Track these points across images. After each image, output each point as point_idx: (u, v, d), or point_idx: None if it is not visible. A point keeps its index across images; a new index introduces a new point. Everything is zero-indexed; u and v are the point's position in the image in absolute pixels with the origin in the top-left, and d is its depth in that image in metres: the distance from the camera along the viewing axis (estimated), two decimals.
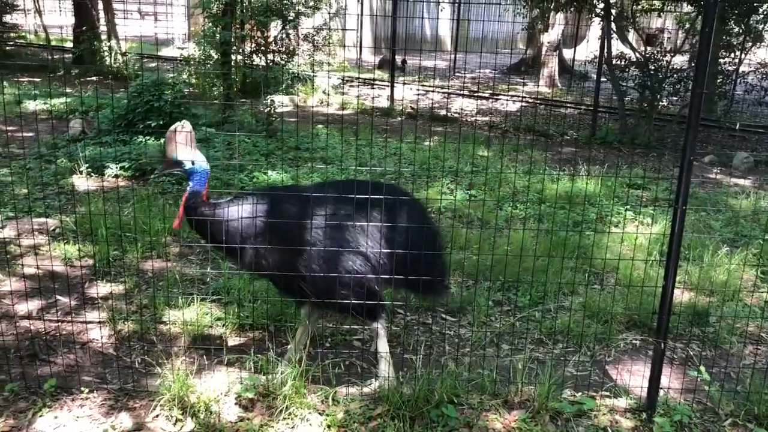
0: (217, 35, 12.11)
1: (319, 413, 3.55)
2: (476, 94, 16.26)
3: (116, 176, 7.88)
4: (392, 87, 14.16)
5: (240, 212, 3.71)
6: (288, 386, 3.61)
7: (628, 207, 7.23)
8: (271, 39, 14.39)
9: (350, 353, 4.25)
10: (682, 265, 5.61)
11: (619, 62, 11.64)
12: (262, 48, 13.93)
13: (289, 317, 4.53)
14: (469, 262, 5.57)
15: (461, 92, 16.64)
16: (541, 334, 4.60)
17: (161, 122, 9.40)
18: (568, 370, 4.17)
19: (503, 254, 5.62)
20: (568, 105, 15.17)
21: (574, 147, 11.27)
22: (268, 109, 10.50)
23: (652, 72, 11.19)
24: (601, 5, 11.70)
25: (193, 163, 3.81)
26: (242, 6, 13.21)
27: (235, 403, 3.62)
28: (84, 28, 17.01)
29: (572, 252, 5.87)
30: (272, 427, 3.46)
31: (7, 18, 18.97)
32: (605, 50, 11.45)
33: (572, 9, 13.13)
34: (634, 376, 4.12)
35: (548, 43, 18.18)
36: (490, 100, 15.76)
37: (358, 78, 17.77)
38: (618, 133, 11.61)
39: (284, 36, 14.62)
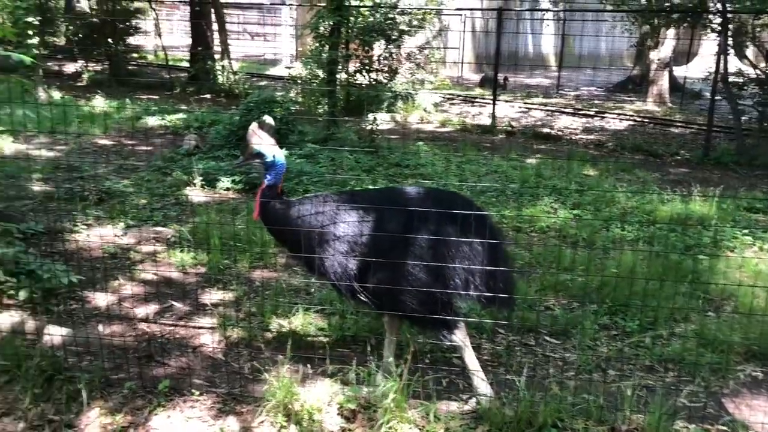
0: (324, 54, 12.48)
1: (419, 429, 3.55)
2: (580, 112, 15.90)
3: (227, 189, 8.22)
4: (494, 103, 14.05)
5: (312, 211, 3.78)
6: (389, 399, 3.63)
7: (747, 231, 6.83)
8: (375, 58, 14.68)
9: (450, 370, 4.21)
10: None
11: (737, 79, 11.06)
12: (366, 67, 14.22)
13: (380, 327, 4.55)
14: (574, 283, 5.43)
15: (564, 110, 16.31)
16: (652, 361, 4.41)
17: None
18: (680, 400, 3.98)
19: (611, 276, 5.46)
20: (678, 124, 14.55)
21: (686, 168, 10.79)
22: (371, 126, 10.69)
23: None
24: (718, 20, 11.19)
25: (274, 156, 3.91)
26: (348, 26, 13.53)
27: (337, 414, 3.66)
28: (199, 48, 17.92)
29: (684, 277, 5.60)
30: None
31: (131, 39, 20.24)
32: (721, 67, 10.93)
33: (685, 25, 12.64)
34: (754, 411, 3.87)
35: (658, 60, 17.55)
36: (596, 118, 15.34)
37: (458, 95, 17.77)
38: (734, 154, 11.02)
39: (388, 55, 14.85)
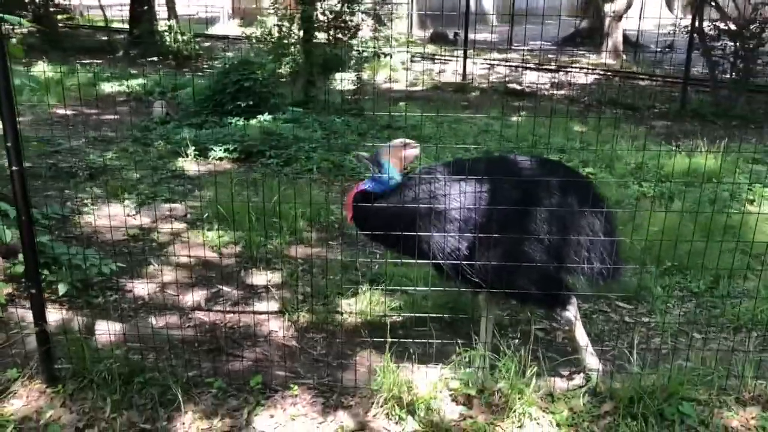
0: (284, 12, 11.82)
1: (543, 410, 3.37)
2: (543, 67, 15.87)
3: (220, 159, 7.74)
4: (465, 60, 13.83)
5: (419, 191, 3.50)
6: (504, 382, 3.44)
7: (762, 184, 6.90)
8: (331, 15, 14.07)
9: (539, 345, 4.04)
10: None
11: (711, 32, 11.19)
12: (331, 24, 13.65)
13: (462, 306, 4.33)
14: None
15: (528, 65, 16.24)
16: (738, 321, 4.36)
17: (251, 102, 9.26)
18: None
19: (655, 237, 5.37)
20: (642, 76, 14.70)
21: (666, 120, 10.90)
22: (356, 87, 10.29)
23: (747, 40, 10.74)
24: None
25: (389, 173, 3.63)
26: None
27: (452, 400, 3.45)
28: (145, 7, 16.84)
29: (724, 233, 5.58)
30: (498, 425, 3.28)
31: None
32: (696, 20, 11.02)
33: None
34: None
35: (613, 12, 17.63)
36: (560, 73, 15.34)
37: (428, 54, 17.41)
38: (711, 106, 11.20)
39: (347, 11, 14.28)
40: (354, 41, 13.66)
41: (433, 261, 3.53)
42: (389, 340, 3.53)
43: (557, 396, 3.47)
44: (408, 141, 3.70)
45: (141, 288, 4.57)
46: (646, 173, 7.49)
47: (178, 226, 5.65)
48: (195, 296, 4.52)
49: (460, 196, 3.39)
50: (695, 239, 5.23)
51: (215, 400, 3.44)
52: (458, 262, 3.43)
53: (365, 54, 13.39)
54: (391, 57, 13.56)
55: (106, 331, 3.76)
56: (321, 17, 12.91)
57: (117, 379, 3.43)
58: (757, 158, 8.00)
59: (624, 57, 17.70)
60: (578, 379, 3.68)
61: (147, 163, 7.44)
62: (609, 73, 15.00)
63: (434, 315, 4.14)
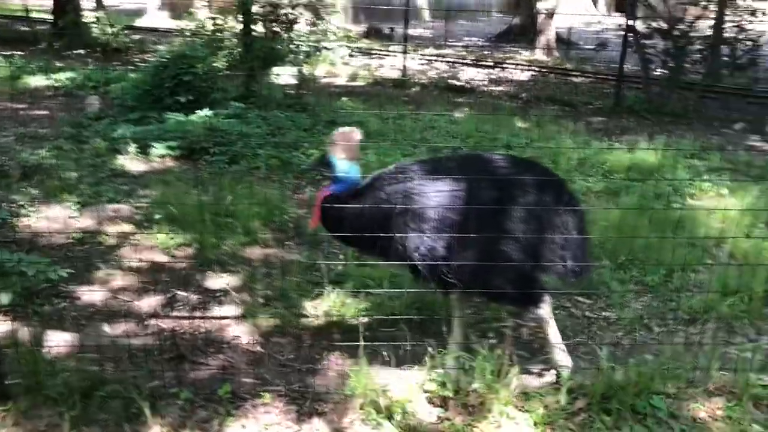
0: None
1: (519, 409, 3.37)
2: (480, 63, 16.04)
3: (163, 156, 7.46)
4: (405, 55, 13.83)
5: (390, 192, 3.45)
6: (479, 382, 3.42)
7: (706, 178, 7.15)
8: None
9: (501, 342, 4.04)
10: None
11: (644, 30, 11.54)
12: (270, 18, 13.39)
13: (429, 306, 4.29)
14: None
15: (465, 61, 16.39)
16: (695, 314, 4.48)
17: (191, 97, 8.96)
18: (732, 351, 4.07)
19: (608, 232, 5.48)
20: (575, 73, 15.05)
21: (602, 116, 11.17)
22: (298, 81, 10.13)
23: (677, 38, 11.12)
24: None
25: (343, 171, 3.55)
26: None
27: (428, 402, 3.40)
28: None
29: (673, 227, 5.75)
30: (477, 426, 3.26)
31: None
32: (630, 18, 11.34)
33: None
34: None
35: (546, 9, 17.98)
36: (497, 69, 15.53)
37: (368, 49, 17.29)
38: (644, 102, 11.55)
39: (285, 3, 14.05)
40: (292, 34, 13.46)
41: (409, 263, 3.47)
42: (362, 343, 3.45)
43: (531, 394, 3.47)
44: (345, 129, 3.61)
45: (91, 294, 4.33)
46: (590, 169, 7.64)
47: (125, 227, 5.39)
48: (150, 302, 4.32)
49: (437, 195, 3.34)
50: (646, 234, 5.38)
51: (183, 411, 3.28)
52: (435, 263, 3.38)
53: (304, 48, 13.21)
54: (333, 51, 13.40)
55: (59, 341, 3.54)
56: (257, 9, 12.67)
57: (75, 394, 3.23)
58: (694, 154, 8.29)
59: (556, 54, 18.09)
60: (549, 377, 3.70)
61: (84, 162, 7.08)
62: (544, 70, 15.28)
63: (409, 317, 4.07)
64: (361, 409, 3.29)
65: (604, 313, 4.54)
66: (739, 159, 8.36)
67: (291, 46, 13.41)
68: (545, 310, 3.56)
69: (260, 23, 13.43)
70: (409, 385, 3.39)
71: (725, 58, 11.44)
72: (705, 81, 11.58)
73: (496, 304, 4.05)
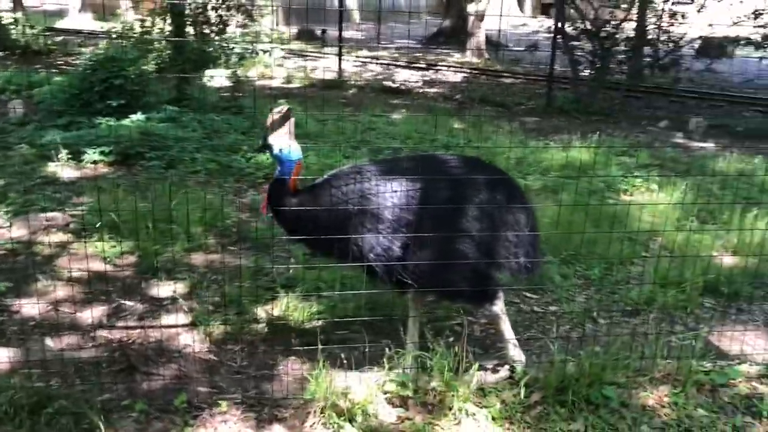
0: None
1: (477, 405, 3.42)
2: (413, 65, 16.18)
3: (95, 162, 7.21)
4: (340, 57, 13.83)
5: (345, 190, 3.45)
6: (437, 380, 3.45)
7: (637, 174, 7.42)
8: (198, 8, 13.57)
9: (460, 341, 4.09)
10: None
11: (572, 32, 11.89)
12: (201, 20, 13.16)
13: (380, 307, 4.30)
14: None
15: (398, 62, 16.49)
16: (636, 305, 4.64)
17: (122, 101, 8.70)
18: (674, 340, 4.23)
19: (550, 228, 5.61)
20: (506, 74, 15.37)
21: (535, 116, 11.45)
22: (233, 84, 9.98)
23: (603, 40, 11.51)
24: None
25: (281, 151, 3.53)
26: None
27: (387, 403, 3.41)
28: None
29: (610, 222, 5.94)
30: (437, 424, 3.29)
31: None
32: (559, 21, 11.67)
33: None
34: (733, 342, 4.22)
35: (476, 12, 18.29)
36: (430, 71, 15.70)
37: (301, 50, 17.17)
38: (573, 102, 11.90)
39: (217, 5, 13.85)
40: (224, 36, 13.28)
41: (364, 263, 3.47)
42: (319, 346, 3.44)
43: (488, 390, 3.53)
44: (279, 108, 3.59)
45: (30, 307, 4.15)
46: (528, 167, 7.82)
47: (62, 237, 5.19)
48: (94, 313, 4.17)
49: (393, 195, 3.36)
50: (587, 230, 5.55)
51: (138, 424, 3.19)
52: (391, 263, 3.39)
53: (237, 50, 13.07)
54: (268, 53, 13.25)
55: (2, 357, 3.38)
56: (188, 11, 12.43)
57: (22, 411, 3.09)
58: (624, 151, 8.61)
59: (486, 56, 18.43)
60: (503, 372, 3.76)
61: (11, 170, 6.78)
62: (476, 72, 15.54)
63: (362, 318, 4.07)
64: (321, 413, 3.26)
65: (551, 308, 4.66)
66: (666, 156, 8.72)
67: (223, 47, 13.24)
68: (499, 306, 3.63)
69: (190, 26, 13.21)
70: (368, 387, 3.39)
71: (648, 59, 11.90)
72: (629, 81, 12.03)
73: (450, 302, 4.10)
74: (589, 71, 12.11)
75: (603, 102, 11.74)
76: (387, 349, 3.59)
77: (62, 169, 6.92)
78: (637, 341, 3.90)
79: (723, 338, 4.30)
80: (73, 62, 13.80)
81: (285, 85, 13.17)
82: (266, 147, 3.55)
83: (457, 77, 15.11)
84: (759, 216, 5.95)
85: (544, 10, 33.30)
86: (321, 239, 3.44)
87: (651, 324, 4.45)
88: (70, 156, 7.12)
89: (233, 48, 13.24)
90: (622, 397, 3.54)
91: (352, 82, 13.40)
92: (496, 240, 3.45)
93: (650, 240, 5.82)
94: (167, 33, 11.52)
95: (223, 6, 13.80)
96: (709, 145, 9.76)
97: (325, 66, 15.32)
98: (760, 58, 12.02)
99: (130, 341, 3.89)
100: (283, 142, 3.54)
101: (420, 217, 3.36)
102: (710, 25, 11.90)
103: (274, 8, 22.41)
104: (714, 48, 13.93)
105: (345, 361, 3.59)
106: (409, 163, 3.57)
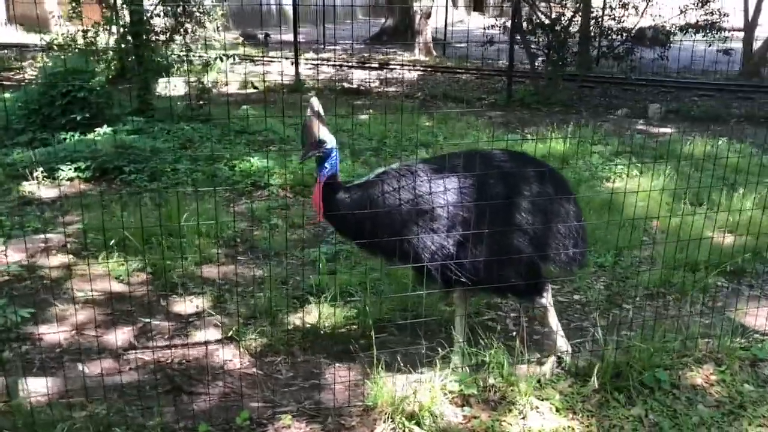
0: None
1: (538, 398, 3.43)
2: (366, 65, 16.15)
3: (71, 179, 6.91)
4: (296, 61, 13.68)
5: (397, 188, 3.41)
6: (494, 377, 3.46)
7: (619, 162, 7.60)
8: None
9: (493, 335, 4.10)
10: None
11: (528, 26, 12.10)
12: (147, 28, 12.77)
13: (413, 307, 4.26)
14: None
15: (350, 63, 16.43)
16: (655, 288, 4.74)
17: (87, 114, 8.37)
18: (695, 319, 4.34)
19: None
20: (484, 71, 15.39)
21: (499, 110, 11.59)
22: (200, 92, 9.75)
23: (557, 33, 11.76)
24: None
25: (328, 145, 3.50)
26: None
27: (450, 403, 3.38)
28: None
29: (606, 209, 6.06)
30: (504, 420, 3.28)
31: None
32: (516, 15, 11.86)
33: None
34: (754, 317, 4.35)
35: (421, 10, 18.40)
36: (384, 70, 15.70)
37: (255, 56, 16.87)
38: (533, 95, 12.10)
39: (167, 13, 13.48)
40: (173, 45, 12.93)
41: (422, 263, 3.43)
42: (375, 351, 3.39)
43: (544, 382, 3.55)
44: (313, 101, 3.51)
45: (53, 334, 3.93)
46: None
47: (62, 258, 4.95)
48: (120, 335, 3.99)
49: (446, 193, 3.33)
50: (591, 219, 5.64)
51: None
52: (446, 261, 3.37)
53: (194, 58, 12.77)
54: (224, 59, 12.97)
55: (36, 388, 3.19)
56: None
57: None
58: (597, 140, 8.81)
59: (435, 53, 18.57)
60: (550, 363, 3.78)
61: None
62: (429, 69, 15.63)
63: (402, 321, 4.03)
64: (390, 418, 3.21)
65: (575, 296, 4.71)
66: (635, 142, 8.97)
67: (178, 55, 12.91)
68: (547, 298, 3.65)
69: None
70: (431, 388, 3.35)
71: (604, 50, 12.20)
72: (583, 72, 12.33)
73: (500, 297, 4.09)
74: (545, 64, 12.34)
75: (562, 93, 11.99)
76: (439, 349, 3.58)
77: (38, 187, 6.61)
78: (673, 323, 3.99)
79: (747, 316, 4.43)
80: (15, 77, 13.23)
81: (241, 91, 12.94)
82: (320, 144, 3.45)
83: (413, 75, 15.17)
84: (745, 196, 6.18)
85: (476, 7, 33.79)
86: (373, 237, 3.38)
87: (672, 306, 4.56)
88: (44, 174, 6.80)
89: (190, 55, 12.90)
90: (672, 378, 3.61)
91: (310, 85, 13.27)
92: (548, 233, 3.47)
93: (647, 224, 5.96)
94: (121, 42, 11.14)
95: (171, 13, 13.48)
96: (671, 130, 10.09)
97: (277, 70, 15.12)
98: (694, 43, 12.29)
99: (168, 361, 3.74)
100: (329, 135, 3.47)
101: (473, 214, 3.34)
102: (656, 16, 12.36)
103: (220, 13, 22.02)
104: (652, 38, 14.36)
105: (397, 365, 3.55)
106: (458, 160, 3.54)
